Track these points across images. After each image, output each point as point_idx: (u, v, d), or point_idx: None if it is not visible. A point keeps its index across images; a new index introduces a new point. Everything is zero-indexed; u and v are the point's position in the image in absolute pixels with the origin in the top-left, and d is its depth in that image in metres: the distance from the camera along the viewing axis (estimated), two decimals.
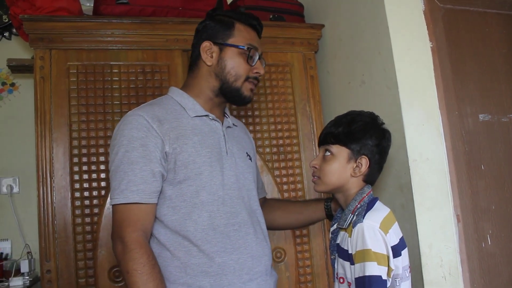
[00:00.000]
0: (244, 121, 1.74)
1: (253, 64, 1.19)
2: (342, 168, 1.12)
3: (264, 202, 1.43)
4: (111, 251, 1.14)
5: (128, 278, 0.98)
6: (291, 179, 1.77)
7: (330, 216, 1.35)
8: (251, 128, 1.75)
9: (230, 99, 1.21)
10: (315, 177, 1.17)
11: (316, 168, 1.16)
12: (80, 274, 1.47)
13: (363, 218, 1.03)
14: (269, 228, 1.36)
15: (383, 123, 1.17)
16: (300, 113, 1.83)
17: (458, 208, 1.46)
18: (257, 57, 1.20)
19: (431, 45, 1.54)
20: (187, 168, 1.08)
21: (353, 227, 1.04)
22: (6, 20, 2.11)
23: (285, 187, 1.76)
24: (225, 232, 1.09)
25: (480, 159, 1.56)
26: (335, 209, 1.32)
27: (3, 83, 2.14)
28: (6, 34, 2.16)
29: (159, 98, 1.22)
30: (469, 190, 1.51)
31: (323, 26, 1.91)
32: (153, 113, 1.10)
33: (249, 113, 1.77)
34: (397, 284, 1.04)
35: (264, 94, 1.80)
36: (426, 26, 1.54)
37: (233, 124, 1.28)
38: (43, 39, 1.54)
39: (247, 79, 1.19)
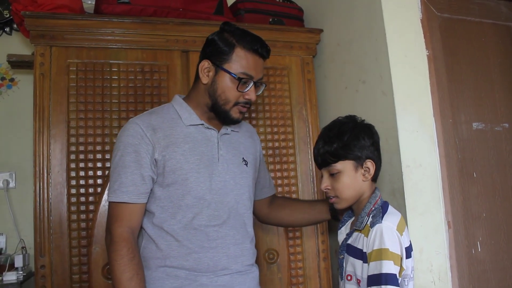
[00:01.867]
0: None
1: (245, 91, 1.22)
2: (354, 179, 1.16)
3: (273, 200, 1.49)
4: (105, 248, 1.19)
5: (110, 266, 1.12)
6: (285, 181, 1.79)
7: (335, 217, 1.38)
8: None
9: (219, 119, 1.26)
10: (333, 198, 1.20)
11: (328, 189, 1.19)
12: (74, 270, 1.48)
13: (382, 219, 1.08)
14: (277, 225, 1.60)
15: (363, 120, 1.21)
16: (296, 117, 1.85)
17: (450, 214, 1.48)
18: (251, 84, 1.22)
19: (428, 53, 1.56)
20: (174, 173, 1.18)
21: (371, 227, 1.09)
22: (7, 16, 2.12)
23: (279, 189, 1.77)
24: (205, 232, 1.19)
25: (473, 167, 1.58)
26: (339, 211, 1.34)
27: (3, 78, 2.15)
28: (7, 29, 2.16)
29: (161, 106, 1.31)
30: (461, 197, 1.53)
31: (321, 30, 1.93)
32: (149, 122, 1.20)
33: (246, 115, 1.78)
34: (406, 284, 1.09)
35: (261, 97, 1.81)
36: (423, 34, 1.56)
37: (232, 130, 1.32)
38: (44, 36, 1.55)
39: (236, 104, 1.22)
